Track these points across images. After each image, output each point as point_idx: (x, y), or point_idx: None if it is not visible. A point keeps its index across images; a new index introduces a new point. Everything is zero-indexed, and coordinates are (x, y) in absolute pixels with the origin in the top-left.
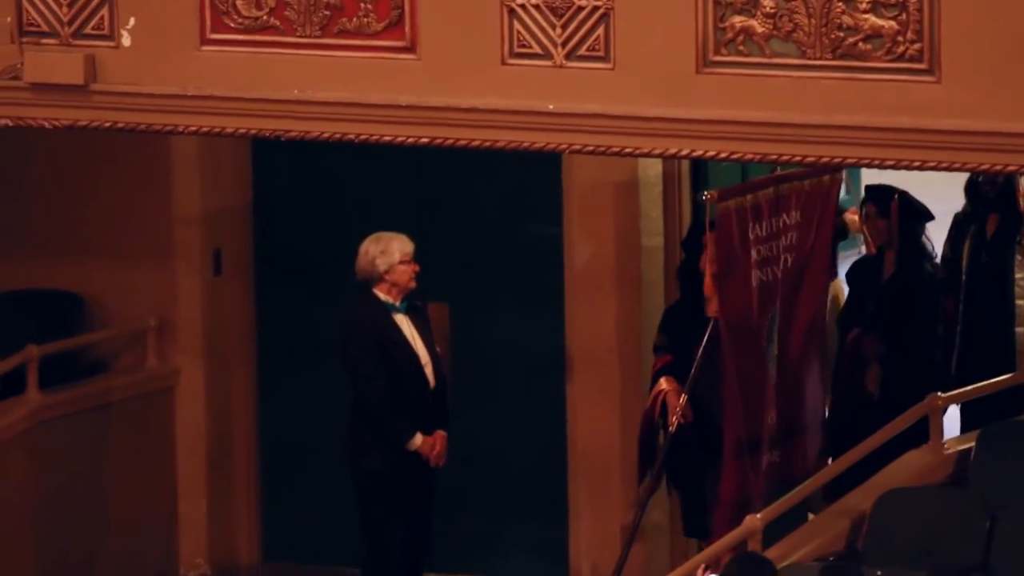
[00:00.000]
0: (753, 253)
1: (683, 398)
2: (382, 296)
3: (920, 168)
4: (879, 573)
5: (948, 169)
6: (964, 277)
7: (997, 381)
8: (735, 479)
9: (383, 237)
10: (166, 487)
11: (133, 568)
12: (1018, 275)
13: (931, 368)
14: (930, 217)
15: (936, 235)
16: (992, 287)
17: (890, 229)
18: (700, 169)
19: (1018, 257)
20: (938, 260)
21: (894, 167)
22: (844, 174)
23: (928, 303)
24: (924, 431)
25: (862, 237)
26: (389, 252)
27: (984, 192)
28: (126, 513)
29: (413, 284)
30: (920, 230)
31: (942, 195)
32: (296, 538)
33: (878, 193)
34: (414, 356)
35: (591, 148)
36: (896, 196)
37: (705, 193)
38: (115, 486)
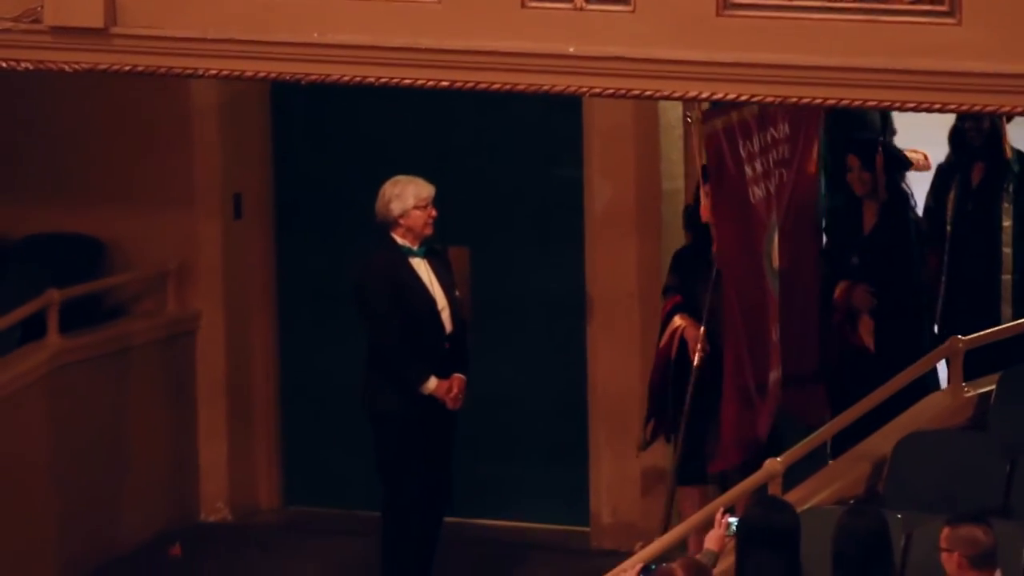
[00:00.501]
0: (748, 170)
1: (701, 330)
2: (399, 240)
3: (940, 110)
4: (899, 516)
5: (969, 111)
6: (949, 227)
7: (1019, 323)
8: (735, 410)
9: (400, 181)
10: (186, 432)
11: (154, 512)
12: (1005, 223)
13: (922, 316)
14: (909, 165)
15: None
16: (979, 236)
17: (875, 180)
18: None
19: (1005, 205)
20: (920, 210)
21: (914, 109)
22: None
23: (915, 252)
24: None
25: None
26: (403, 197)
27: (970, 140)
28: (146, 458)
29: (429, 230)
30: (901, 179)
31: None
32: (317, 482)
33: (862, 145)
34: (430, 300)
35: (611, 91)
36: (880, 148)
37: (688, 114)
38: (135, 430)
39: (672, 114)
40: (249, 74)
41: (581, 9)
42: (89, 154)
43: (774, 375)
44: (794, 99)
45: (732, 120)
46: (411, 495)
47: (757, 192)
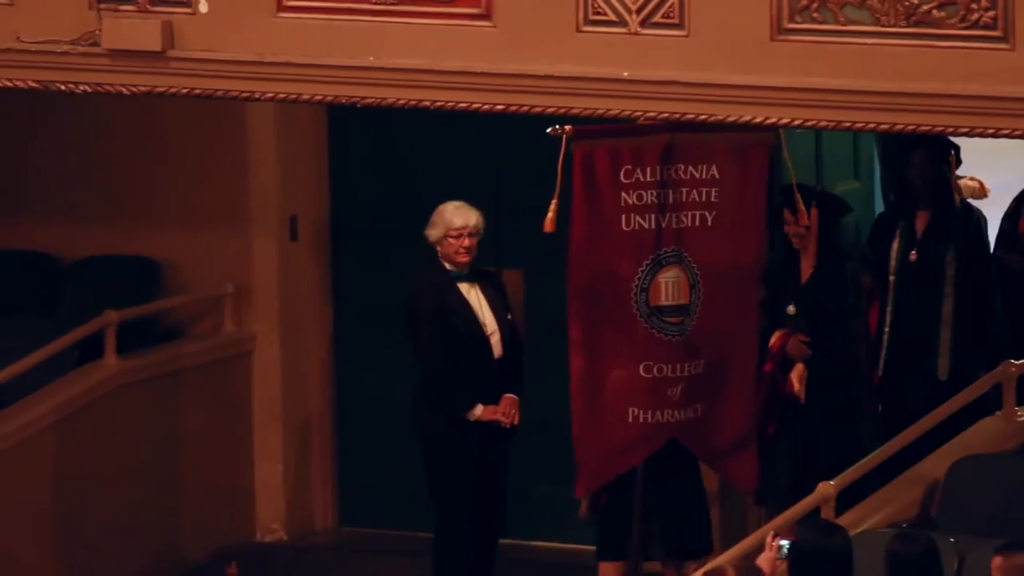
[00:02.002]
0: (627, 197)
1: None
2: (446, 264)
3: (994, 135)
4: (952, 540)
5: (1022, 136)
6: (892, 277)
7: None
8: (586, 424)
9: (443, 208)
10: (243, 453)
11: (211, 532)
12: (948, 272)
13: (856, 366)
14: (848, 210)
15: (991, 211)
16: (922, 286)
17: (808, 233)
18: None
19: (949, 255)
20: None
21: (967, 135)
22: (780, 135)
23: (850, 302)
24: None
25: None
26: (437, 225)
27: (914, 187)
28: (202, 478)
29: (461, 258)
30: (838, 226)
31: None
32: (372, 503)
33: (791, 191)
34: (476, 325)
35: (665, 115)
36: (815, 200)
37: (555, 127)
38: (192, 451)
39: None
40: (305, 97)
41: (636, 34)
42: (146, 176)
43: (645, 414)
44: (847, 124)
45: (616, 144)
46: (462, 518)
47: (639, 221)
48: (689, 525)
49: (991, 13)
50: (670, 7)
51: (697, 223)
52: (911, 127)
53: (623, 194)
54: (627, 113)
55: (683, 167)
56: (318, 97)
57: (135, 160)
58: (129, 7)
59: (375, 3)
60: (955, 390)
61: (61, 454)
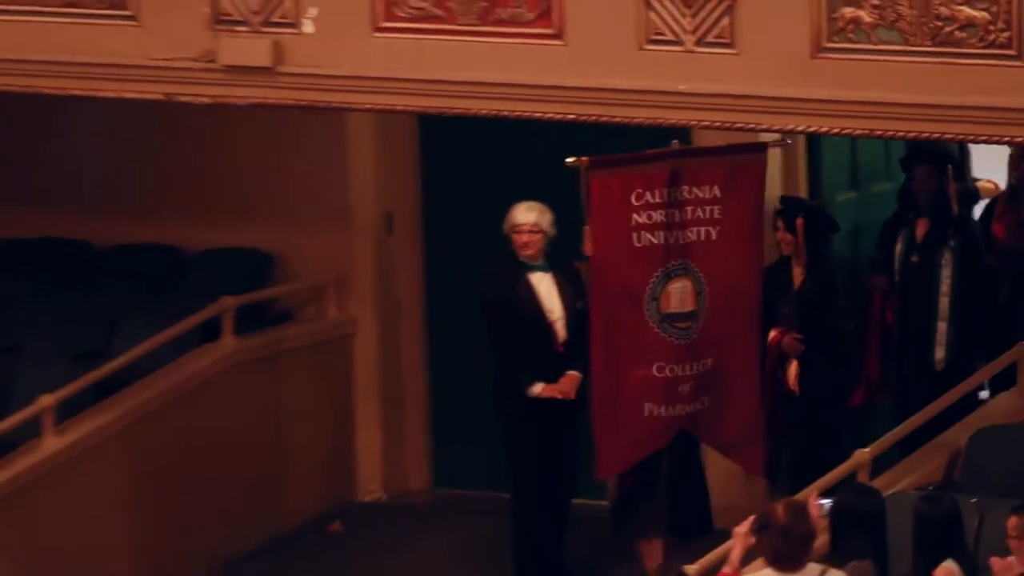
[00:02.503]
0: (637, 217)
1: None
2: (520, 256)
3: (1008, 143)
4: (973, 501)
5: None
6: (896, 278)
7: None
8: (605, 419)
9: (515, 206)
10: (345, 423)
11: (317, 493)
12: (944, 274)
13: (841, 363)
14: (836, 228)
15: None
16: (920, 286)
17: (797, 244)
18: (813, 142)
19: (946, 258)
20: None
21: (985, 142)
22: (769, 154)
23: (836, 307)
24: None
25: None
26: (508, 220)
27: (916, 197)
28: (310, 445)
29: (525, 251)
30: (828, 241)
31: None
32: (461, 467)
33: (787, 208)
34: (541, 311)
35: (717, 124)
36: (803, 212)
37: (572, 159)
38: (300, 421)
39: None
40: (399, 108)
41: (691, 52)
42: (259, 176)
43: (658, 408)
44: (879, 132)
45: (628, 171)
46: (534, 482)
47: (649, 239)
48: (693, 507)
49: (1007, 34)
50: (722, 29)
51: (702, 237)
52: (936, 135)
53: (634, 215)
54: (683, 122)
55: (688, 188)
56: (410, 108)
57: (251, 162)
58: (243, 28)
59: (460, 24)
60: (953, 379)
61: (184, 424)
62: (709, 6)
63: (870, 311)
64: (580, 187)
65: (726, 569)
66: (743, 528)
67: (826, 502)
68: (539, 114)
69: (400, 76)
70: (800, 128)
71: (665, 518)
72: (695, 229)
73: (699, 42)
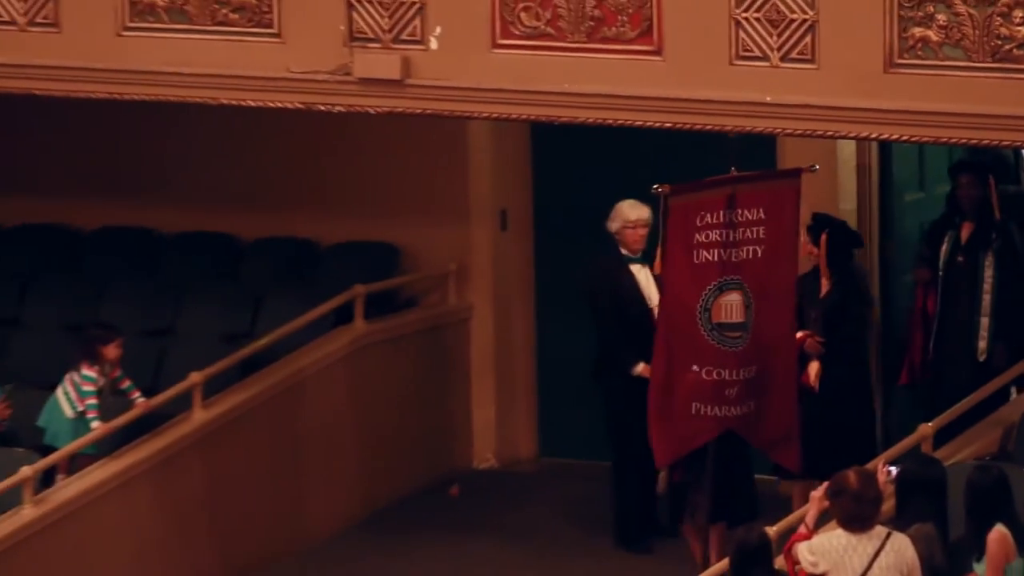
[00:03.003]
0: (699, 236)
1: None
2: (622, 249)
3: None
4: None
5: None
6: (941, 274)
7: None
8: (660, 414)
9: (622, 204)
10: (462, 398)
11: (437, 461)
12: (987, 273)
13: (862, 366)
14: (860, 244)
15: None
16: (964, 283)
17: (821, 256)
18: (885, 148)
19: (988, 259)
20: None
21: None
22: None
23: (850, 315)
24: None
25: None
26: (616, 219)
27: (961, 203)
28: (431, 418)
29: (638, 245)
30: (851, 255)
31: None
32: (566, 437)
33: (815, 224)
34: (641, 299)
35: (800, 132)
36: (828, 229)
37: (657, 186)
38: (423, 397)
39: (847, 150)
40: (514, 117)
41: (776, 67)
42: (388, 177)
43: (706, 408)
44: (944, 139)
45: (698, 197)
46: (632, 452)
47: (705, 256)
48: (740, 497)
49: None
50: (804, 46)
51: (751, 256)
52: (995, 142)
53: (696, 235)
54: (769, 130)
55: (741, 211)
56: (524, 116)
57: (380, 166)
58: (375, 45)
59: (570, 41)
60: (991, 368)
61: (318, 398)
62: (792, 26)
63: (914, 301)
64: (659, 210)
65: (802, 529)
66: (818, 493)
67: (893, 470)
68: (639, 123)
69: (515, 88)
70: (873, 136)
71: (710, 508)
72: (745, 248)
73: (783, 58)
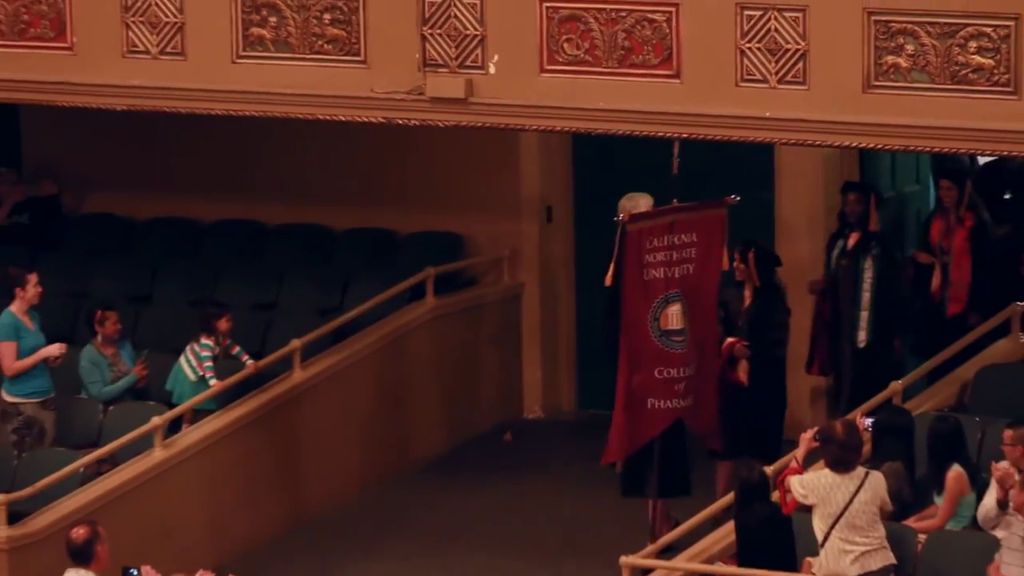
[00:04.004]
0: (648, 257)
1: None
2: None
3: (1008, 154)
4: (977, 419)
5: (1022, 155)
6: (830, 277)
7: None
8: (623, 410)
9: (634, 196)
10: (515, 359)
11: (493, 412)
12: (866, 274)
13: (780, 364)
14: (779, 263)
15: None
16: (848, 283)
17: (748, 272)
18: (864, 154)
19: (868, 262)
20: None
21: (991, 154)
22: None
23: (776, 323)
24: None
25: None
26: (620, 210)
27: (848, 217)
28: (489, 376)
29: None
30: (772, 272)
31: None
32: (601, 392)
33: (743, 246)
34: None
35: (793, 141)
36: (754, 249)
37: (619, 215)
38: (482, 358)
39: (832, 156)
40: (558, 129)
41: (774, 88)
42: (453, 179)
43: (659, 402)
44: (913, 147)
45: (648, 224)
46: None
47: (653, 274)
48: (677, 474)
49: (1006, 76)
50: (797, 71)
51: (687, 272)
52: (953, 150)
53: (646, 256)
54: (768, 140)
55: (679, 235)
56: (566, 129)
57: (447, 169)
58: (444, 69)
59: (604, 67)
60: (873, 355)
61: (397, 360)
62: (788, 55)
63: (814, 305)
64: (617, 235)
65: (793, 464)
66: (808, 435)
67: (869, 420)
68: (661, 134)
69: (559, 105)
70: (854, 144)
71: (657, 484)
72: (683, 266)
73: (780, 81)
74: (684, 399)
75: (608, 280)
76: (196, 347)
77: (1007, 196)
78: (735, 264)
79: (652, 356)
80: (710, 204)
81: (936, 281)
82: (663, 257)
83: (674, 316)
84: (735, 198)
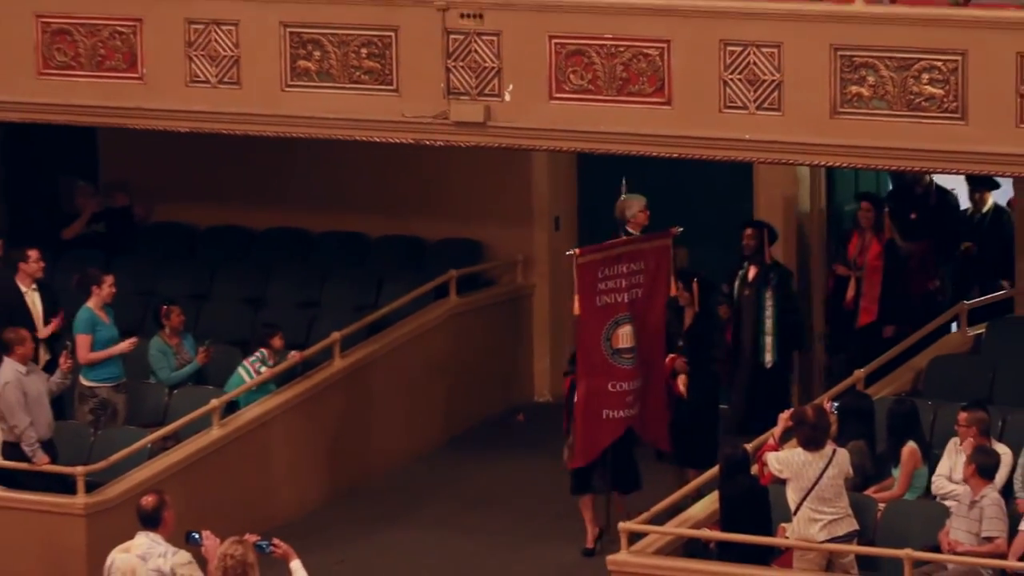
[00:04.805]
0: (601, 285)
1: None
2: (629, 228)
3: (956, 173)
4: (930, 403)
5: (969, 172)
6: (735, 306)
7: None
8: (583, 421)
9: (631, 200)
10: (526, 350)
11: (507, 396)
12: (767, 303)
13: (715, 377)
14: (717, 291)
15: None
16: (751, 311)
17: (692, 298)
18: (832, 172)
19: (768, 292)
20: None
21: (941, 172)
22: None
23: (711, 342)
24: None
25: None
26: (632, 207)
27: (745, 250)
28: (504, 364)
29: (633, 228)
30: (712, 298)
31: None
32: None
33: (684, 275)
34: None
35: (771, 160)
36: (696, 279)
37: (572, 250)
38: (499, 349)
39: (803, 172)
40: (565, 149)
41: (753, 114)
42: (473, 192)
43: (613, 413)
44: (874, 165)
45: (600, 256)
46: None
47: (605, 299)
48: (628, 470)
49: (955, 103)
50: (773, 99)
51: (635, 298)
52: (906, 168)
53: (599, 284)
54: (748, 159)
55: (628, 264)
56: (572, 149)
57: (468, 184)
58: (465, 97)
59: (605, 95)
60: (778, 373)
61: (424, 351)
62: (764, 85)
63: (723, 333)
64: (572, 269)
65: (770, 442)
66: (785, 415)
67: (836, 403)
68: (654, 153)
69: (566, 128)
70: (823, 163)
71: (611, 480)
72: (632, 291)
73: (758, 107)
74: (633, 408)
75: (576, 309)
76: (254, 360)
77: (913, 216)
78: (680, 292)
79: (606, 372)
80: (656, 236)
81: (850, 292)
82: (614, 284)
83: (624, 336)
84: (679, 229)
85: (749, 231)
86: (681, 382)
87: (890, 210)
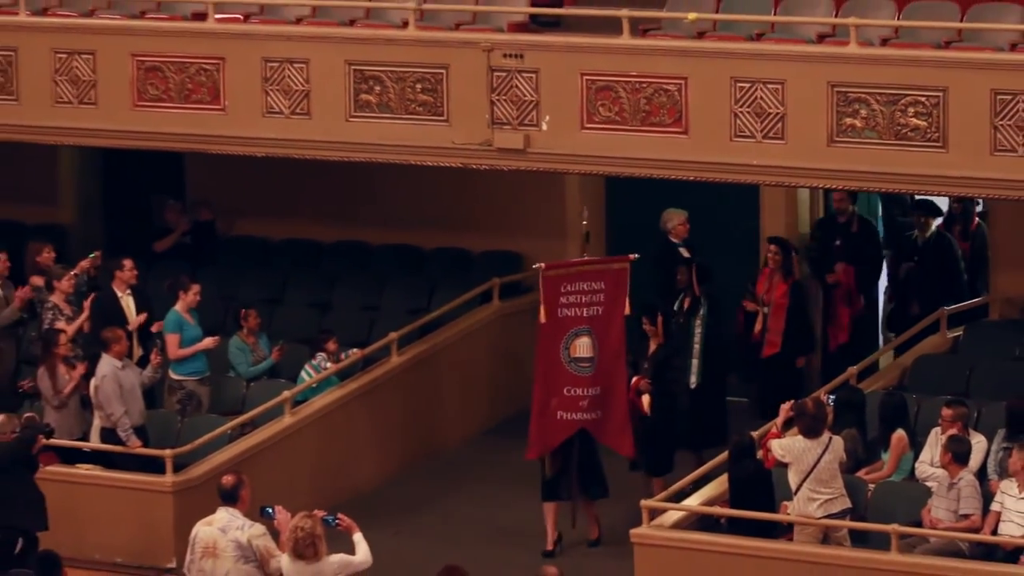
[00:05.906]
0: (562, 299)
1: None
2: (672, 239)
3: (936, 195)
4: (915, 396)
5: (949, 195)
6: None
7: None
8: (538, 418)
9: (672, 212)
10: None
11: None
12: (697, 331)
13: (675, 395)
14: (674, 326)
15: None
16: (683, 337)
17: (655, 331)
18: (828, 193)
19: (697, 321)
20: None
21: (925, 194)
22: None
23: (672, 367)
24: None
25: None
26: (673, 219)
27: (679, 284)
28: (527, 360)
29: (675, 238)
30: (671, 332)
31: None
32: None
33: (649, 309)
34: (680, 259)
35: (774, 183)
36: (661, 312)
37: (538, 265)
38: (535, 348)
39: (804, 193)
40: (595, 172)
41: (760, 142)
42: (514, 210)
43: (566, 414)
44: (867, 187)
45: (563, 272)
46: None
47: (566, 312)
48: (595, 478)
49: (937, 134)
50: (777, 129)
51: (595, 314)
52: (895, 190)
53: (561, 298)
54: (756, 181)
55: (588, 283)
56: (601, 172)
57: (509, 203)
58: (507, 126)
59: (629, 125)
60: (703, 393)
61: (471, 349)
62: (770, 117)
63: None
64: (539, 283)
65: (773, 430)
66: (786, 406)
67: (833, 396)
68: (672, 176)
69: (596, 155)
70: (821, 185)
71: (578, 487)
72: (592, 307)
73: (764, 137)
74: (588, 413)
75: (542, 318)
76: (314, 362)
77: (837, 243)
78: (645, 325)
79: (562, 377)
80: (615, 259)
81: (758, 326)
82: (575, 299)
83: (583, 346)
84: (635, 256)
85: (683, 269)
86: (645, 401)
87: (818, 237)
